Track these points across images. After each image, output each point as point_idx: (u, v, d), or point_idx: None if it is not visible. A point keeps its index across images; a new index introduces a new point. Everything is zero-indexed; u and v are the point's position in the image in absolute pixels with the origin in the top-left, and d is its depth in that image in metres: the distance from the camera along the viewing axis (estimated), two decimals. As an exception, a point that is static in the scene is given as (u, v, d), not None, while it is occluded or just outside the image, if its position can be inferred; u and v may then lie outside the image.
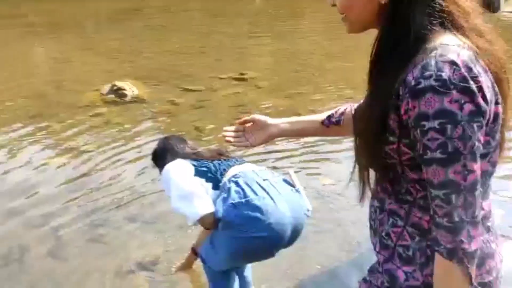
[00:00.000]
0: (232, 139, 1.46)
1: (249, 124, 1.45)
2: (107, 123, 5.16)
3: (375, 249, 1.18)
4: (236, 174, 1.95)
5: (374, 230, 1.15)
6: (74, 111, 5.40)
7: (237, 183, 1.89)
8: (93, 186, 3.86)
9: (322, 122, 1.40)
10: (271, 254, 1.97)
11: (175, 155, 2.12)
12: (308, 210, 1.95)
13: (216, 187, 1.96)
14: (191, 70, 6.94)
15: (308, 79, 6.58)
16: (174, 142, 2.23)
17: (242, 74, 6.62)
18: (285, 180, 2.01)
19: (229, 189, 1.89)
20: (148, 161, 4.42)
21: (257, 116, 1.45)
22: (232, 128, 1.48)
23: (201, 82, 6.38)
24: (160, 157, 2.21)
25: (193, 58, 7.77)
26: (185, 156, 2.11)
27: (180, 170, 2.00)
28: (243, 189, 1.85)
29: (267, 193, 1.85)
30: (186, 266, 2.63)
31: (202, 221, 1.91)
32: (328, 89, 6.02)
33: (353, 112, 1.34)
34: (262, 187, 1.87)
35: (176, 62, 7.44)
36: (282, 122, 1.44)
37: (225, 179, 1.96)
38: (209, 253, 2.02)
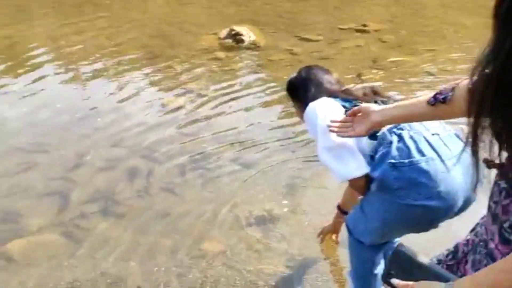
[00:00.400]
0: (336, 129, 1.45)
1: (359, 114, 1.40)
2: (224, 67, 5.08)
3: (490, 239, 0.95)
4: (399, 124, 1.56)
5: (493, 216, 0.95)
6: (192, 53, 5.38)
7: (400, 137, 1.54)
8: (205, 129, 3.86)
9: (428, 101, 1.21)
10: (433, 226, 1.64)
11: (320, 88, 1.75)
12: (484, 177, 1.59)
13: (372, 136, 1.57)
14: (308, 18, 6.54)
15: (441, 35, 5.85)
16: (319, 73, 1.82)
17: (364, 25, 6.10)
18: (457, 136, 1.60)
19: (390, 143, 1.54)
20: (263, 108, 4.49)
21: (363, 105, 1.41)
22: (339, 119, 1.48)
23: (319, 31, 5.99)
24: (301, 89, 1.80)
25: (310, 5, 7.33)
26: (332, 93, 1.73)
27: (328, 112, 1.62)
28: (407, 146, 1.51)
29: (437, 153, 1.50)
30: (333, 229, 2.33)
31: (352, 182, 1.62)
32: (467, 46, 5.28)
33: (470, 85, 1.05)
34: (430, 144, 1.52)
35: (294, 9, 7.04)
36: (386, 108, 1.36)
37: (384, 128, 1.57)
38: (358, 221, 1.70)
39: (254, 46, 5.52)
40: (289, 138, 3.57)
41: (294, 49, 5.47)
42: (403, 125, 1.58)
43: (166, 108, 4.20)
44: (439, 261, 1.19)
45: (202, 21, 6.66)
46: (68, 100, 4.46)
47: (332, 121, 1.46)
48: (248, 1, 7.68)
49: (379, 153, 1.58)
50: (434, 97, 1.20)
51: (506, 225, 0.91)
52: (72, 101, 4.46)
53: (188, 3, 7.79)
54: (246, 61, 5.27)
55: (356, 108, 1.41)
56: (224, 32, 5.54)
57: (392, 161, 1.51)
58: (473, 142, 0.90)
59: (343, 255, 1.99)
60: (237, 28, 5.47)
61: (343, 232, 2.07)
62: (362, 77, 4.68)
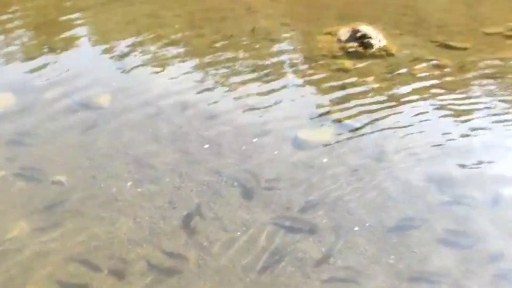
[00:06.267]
0: None
1: None
2: (356, 84, 3.70)
3: None
4: None
5: None
6: (310, 61, 4.04)
7: None
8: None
9: None
10: None
11: None
12: None
13: None
14: (438, 17, 5.00)
15: None
16: None
17: (514, 29, 4.65)
18: None
19: None
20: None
21: None
22: None
23: (461, 36, 4.54)
24: None
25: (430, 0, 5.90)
26: None
27: None
28: None
29: None
30: None
31: None
32: None
33: None
34: None
35: (411, 3, 5.43)
36: None
37: None
38: None
39: (385, 54, 4.14)
40: None
41: (440, 60, 4.07)
42: None
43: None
44: None
45: (303, 14, 5.10)
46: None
47: None
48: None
49: None
50: None
51: None
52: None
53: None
54: (383, 74, 3.85)
55: None
56: (345, 33, 4.15)
57: None
58: None
59: None
60: (363, 28, 4.11)
61: None
62: None
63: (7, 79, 3.79)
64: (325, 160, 2.94)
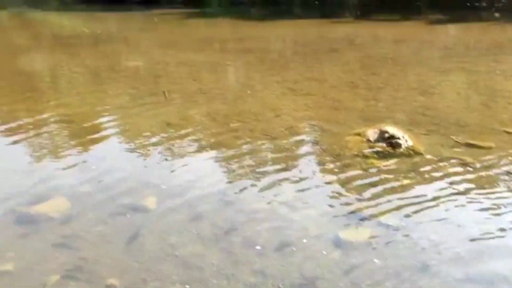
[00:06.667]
0: None
1: None
2: (389, 182, 3.84)
3: None
4: None
5: None
6: (341, 160, 4.25)
7: None
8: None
9: None
10: None
11: None
12: None
13: None
14: (457, 117, 5.33)
15: None
16: None
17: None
18: None
19: None
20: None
21: None
22: None
23: (483, 135, 4.81)
24: None
25: (449, 99, 6.19)
26: None
27: None
28: None
29: None
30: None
31: None
32: None
33: None
34: None
35: (431, 104, 5.90)
36: None
37: None
38: None
39: (413, 153, 4.35)
40: None
41: (466, 159, 4.23)
42: None
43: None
44: None
45: (330, 117, 5.51)
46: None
47: None
48: (372, 92, 6.61)
49: None
50: None
51: None
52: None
53: (305, 93, 6.70)
54: (413, 173, 3.98)
55: None
56: (373, 134, 4.39)
57: None
58: None
59: None
60: (390, 130, 4.34)
61: None
62: None
63: (58, 184, 3.96)
64: (370, 259, 2.97)
